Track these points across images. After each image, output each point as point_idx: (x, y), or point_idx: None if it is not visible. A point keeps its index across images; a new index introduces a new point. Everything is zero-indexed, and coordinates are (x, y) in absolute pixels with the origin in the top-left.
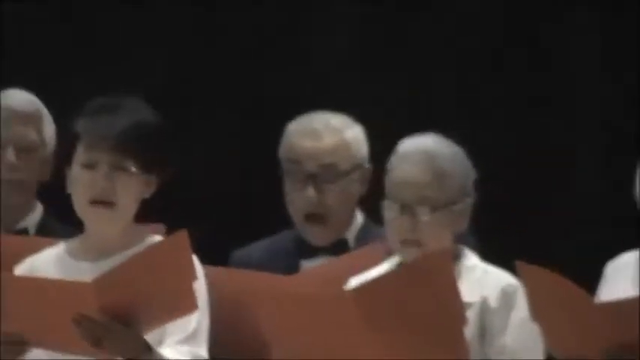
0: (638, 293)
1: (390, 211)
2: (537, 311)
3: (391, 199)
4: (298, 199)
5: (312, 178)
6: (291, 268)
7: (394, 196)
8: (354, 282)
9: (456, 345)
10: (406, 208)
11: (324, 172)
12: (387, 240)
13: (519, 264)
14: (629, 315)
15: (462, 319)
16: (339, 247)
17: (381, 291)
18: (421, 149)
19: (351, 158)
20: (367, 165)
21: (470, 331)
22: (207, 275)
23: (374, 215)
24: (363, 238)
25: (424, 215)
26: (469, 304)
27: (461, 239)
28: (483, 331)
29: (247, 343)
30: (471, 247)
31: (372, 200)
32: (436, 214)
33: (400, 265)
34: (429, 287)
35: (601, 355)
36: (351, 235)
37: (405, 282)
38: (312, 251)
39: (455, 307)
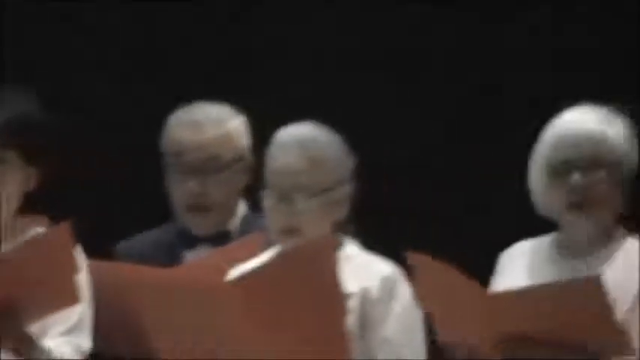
0: (531, 283)
1: (268, 199)
2: (429, 302)
3: (269, 187)
4: (181, 191)
5: (195, 170)
6: (174, 260)
7: (272, 184)
8: (235, 273)
9: (335, 335)
10: (284, 196)
11: (207, 164)
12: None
13: (411, 254)
14: (519, 306)
15: (342, 310)
16: (222, 238)
17: (262, 281)
18: (296, 137)
19: (233, 149)
20: (250, 156)
21: (351, 321)
22: (90, 268)
23: (257, 206)
24: (247, 228)
25: (301, 203)
26: (350, 294)
27: (342, 228)
28: (364, 322)
29: (131, 336)
30: (351, 236)
31: (255, 191)
32: (313, 201)
33: (281, 254)
34: (310, 276)
35: (495, 349)
36: (234, 225)
37: (286, 271)
38: (194, 242)
39: (335, 296)
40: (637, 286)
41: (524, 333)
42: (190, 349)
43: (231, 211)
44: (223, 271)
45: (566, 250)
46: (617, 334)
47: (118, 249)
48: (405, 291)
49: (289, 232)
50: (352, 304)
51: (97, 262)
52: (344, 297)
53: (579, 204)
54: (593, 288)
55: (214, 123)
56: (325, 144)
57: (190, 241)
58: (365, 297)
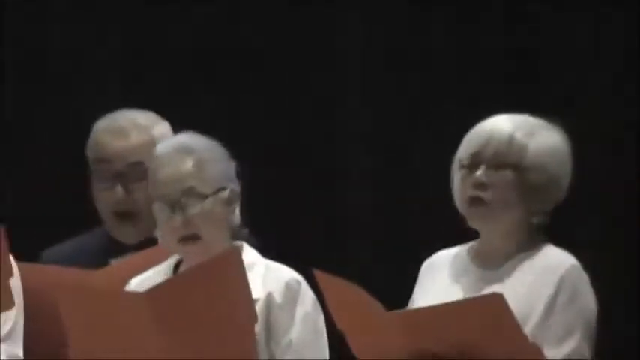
0: (445, 294)
1: (161, 212)
2: (340, 320)
3: (160, 200)
4: (107, 197)
5: (121, 177)
6: (100, 267)
7: (161, 195)
8: (134, 282)
9: (245, 343)
10: (176, 205)
11: (133, 171)
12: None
13: (317, 273)
14: (424, 323)
15: (252, 318)
16: (149, 246)
17: (173, 292)
18: (177, 145)
19: None
20: None
21: (256, 327)
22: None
23: None
24: None
25: (194, 208)
26: (255, 300)
27: (240, 236)
28: (269, 327)
29: (49, 340)
30: (251, 245)
31: None
32: (206, 204)
33: (188, 266)
34: (220, 286)
35: None
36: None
37: (196, 282)
38: (121, 250)
39: (245, 305)
40: (547, 294)
41: (433, 352)
42: (103, 354)
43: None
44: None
45: (480, 260)
46: (528, 350)
47: (45, 255)
48: (307, 295)
49: (188, 239)
50: (257, 309)
51: (19, 264)
52: (254, 305)
53: (478, 198)
54: (495, 306)
55: (139, 129)
56: (207, 146)
57: (117, 248)
58: (269, 302)
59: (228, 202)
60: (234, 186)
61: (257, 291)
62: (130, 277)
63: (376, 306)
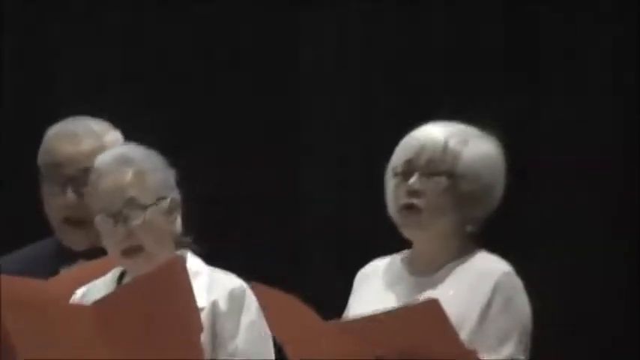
0: (379, 302)
1: (104, 225)
2: (278, 331)
3: (102, 212)
4: (57, 203)
5: (72, 182)
6: (50, 276)
7: (103, 207)
8: (79, 292)
9: (191, 354)
10: (118, 217)
11: (84, 176)
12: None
13: (255, 286)
14: (362, 332)
15: (198, 328)
16: (99, 254)
17: (119, 304)
18: (116, 156)
19: None
20: None
21: (201, 336)
22: None
23: None
24: None
25: (136, 219)
26: (199, 309)
27: (184, 245)
28: (215, 336)
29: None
30: (192, 251)
31: None
32: (147, 214)
33: (132, 276)
34: (165, 297)
35: None
36: None
37: (141, 294)
38: (72, 258)
39: (190, 314)
40: (481, 300)
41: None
42: None
43: None
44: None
45: (414, 267)
46: (465, 355)
47: None
48: (253, 303)
49: (132, 252)
50: (202, 318)
51: None
52: (199, 314)
53: (411, 206)
54: (432, 311)
55: (91, 135)
56: (145, 155)
57: (68, 256)
58: (214, 311)
59: (169, 211)
60: (175, 194)
61: (202, 299)
62: (79, 287)
63: (314, 317)
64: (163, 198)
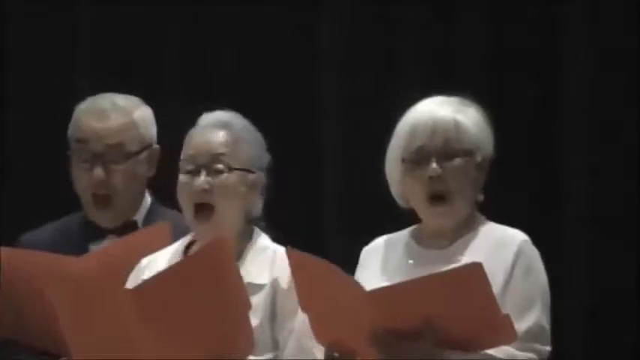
0: (390, 278)
1: (184, 175)
2: (304, 300)
3: (187, 161)
4: (85, 178)
5: (99, 158)
6: (80, 252)
7: (191, 157)
8: (144, 262)
9: (242, 330)
10: (201, 169)
11: (111, 152)
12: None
13: (289, 250)
14: (399, 300)
15: (245, 304)
16: (127, 229)
17: (162, 288)
18: (217, 119)
19: (138, 138)
20: (155, 146)
21: (261, 311)
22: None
23: (162, 198)
24: (152, 219)
25: (219, 175)
26: (260, 286)
27: (253, 220)
28: (274, 312)
29: (33, 323)
30: (262, 230)
31: (160, 182)
32: (232, 175)
33: (183, 255)
34: (210, 277)
35: (369, 341)
36: (139, 216)
37: (186, 274)
38: (100, 234)
39: (238, 292)
40: (503, 267)
41: (403, 329)
42: (95, 344)
43: (136, 202)
44: (128, 261)
45: (427, 241)
46: (500, 320)
47: (23, 240)
48: None
49: (203, 207)
50: (262, 295)
51: (7, 249)
52: (246, 292)
53: (440, 194)
54: (474, 275)
55: (120, 111)
56: (245, 128)
57: (96, 232)
58: (275, 288)
59: (251, 186)
60: (263, 175)
61: (264, 276)
62: (112, 264)
63: (352, 283)
64: (250, 171)
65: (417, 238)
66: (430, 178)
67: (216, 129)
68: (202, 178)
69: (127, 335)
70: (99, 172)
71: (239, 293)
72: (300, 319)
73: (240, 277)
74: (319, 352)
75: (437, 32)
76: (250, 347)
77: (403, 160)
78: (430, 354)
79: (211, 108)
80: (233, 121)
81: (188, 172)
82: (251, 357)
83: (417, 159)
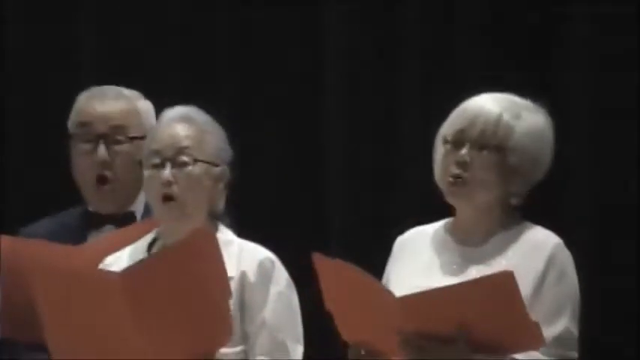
0: (425, 270)
1: (149, 169)
2: (332, 303)
3: (153, 155)
4: (88, 161)
5: (103, 139)
6: (79, 242)
7: (156, 150)
8: (109, 260)
9: (222, 319)
10: (167, 162)
11: (115, 133)
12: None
13: (315, 256)
14: (427, 306)
15: (227, 293)
16: (126, 220)
17: (148, 273)
18: (180, 113)
19: (139, 125)
20: None
21: (230, 305)
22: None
23: None
24: (150, 212)
25: (184, 167)
26: (229, 278)
27: (216, 217)
28: (243, 306)
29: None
30: (226, 225)
31: None
32: (197, 167)
33: (162, 241)
34: (194, 264)
35: (399, 344)
36: (138, 208)
37: (171, 261)
38: (99, 223)
39: (220, 281)
40: (535, 271)
41: (433, 334)
42: (72, 336)
43: (134, 190)
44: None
45: (460, 237)
46: (530, 328)
47: (23, 232)
48: (281, 275)
49: (169, 199)
50: (231, 288)
51: (7, 237)
52: (228, 280)
53: (459, 177)
54: (505, 283)
55: (124, 98)
56: (208, 122)
57: (96, 222)
58: (243, 281)
59: (216, 179)
60: (226, 168)
61: (231, 270)
62: (108, 254)
63: (381, 289)
64: (215, 164)
65: (450, 231)
66: (458, 162)
67: (180, 123)
68: (167, 171)
69: (111, 328)
70: (102, 151)
71: (222, 281)
72: (270, 310)
73: (223, 266)
74: (291, 342)
75: (437, 32)
76: (229, 335)
77: (444, 141)
78: (463, 358)
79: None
80: (196, 115)
81: (154, 167)
82: (223, 349)
83: (453, 140)
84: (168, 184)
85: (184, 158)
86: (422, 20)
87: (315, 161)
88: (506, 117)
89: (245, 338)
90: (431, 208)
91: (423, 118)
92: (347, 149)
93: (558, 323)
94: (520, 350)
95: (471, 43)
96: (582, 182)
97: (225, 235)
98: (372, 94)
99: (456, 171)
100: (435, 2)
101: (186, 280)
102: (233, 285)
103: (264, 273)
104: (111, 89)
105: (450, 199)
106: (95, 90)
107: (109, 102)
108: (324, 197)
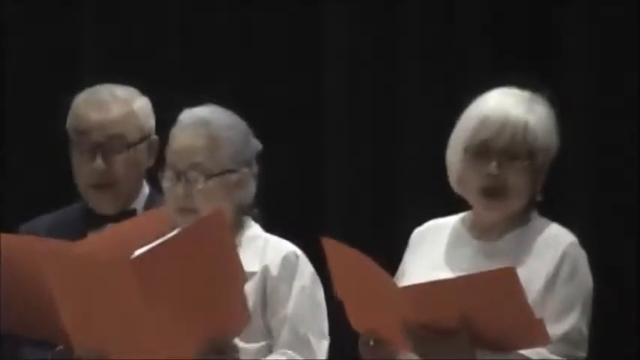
0: (442, 263)
1: (167, 180)
2: (340, 287)
3: (168, 167)
4: (86, 169)
5: (100, 148)
6: (78, 238)
7: (170, 164)
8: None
9: (236, 305)
10: (181, 177)
11: (112, 143)
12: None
13: (324, 240)
14: (432, 298)
15: (241, 276)
16: (126, 217)
17: (159, 258)
18: (196, 117)
19: (138, 129)
20: (154, 136)
21: (252, 299)
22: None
23: (161, 187)
24: (151, 208)
25: (198, 183)
26: (251, 274)
27: (245, 210)
28: (266, 300)
29: (33, 311)
30: (254, 219)
31: (159, 171)
32: (210, 182)
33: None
34: (207, 250)
35: (403, 334)
36: (138, 205)
37: (182, 247)
38: (99, 221)
39: (233, 265)
40: (547, 269)
41: (436, 326)
42: (92, 322)
43: (135, 191)
44: (127, 246)
45: (477, 232)
46: (533, 325)
47: (23, 229)
48: (306, 270)
49: (186, 211)
50: (253, 283)
51: (6, 235)
52: (241, 265)
53: (493, 191)
54: (507, 279)
55: (119, 102)
56: (226, 125)
57: (96, 220)
58: (265, 275)
59: (237, 184)
60: (249, 168)
61: (254, 264)
62: (109, 248)
63: (387, 279)
64: (232, 171)
65: (467, 225)
66: (488, 174)
67: (196, 129)
68: (181, 188)
69: (126, 314)
70: (99, 163)
71: (235, 266)
72: (293, 304)
73: (235, 250)
74: (314, 337)
75: (437, 32)
76: (245, 321)
77: (466, 150)
78: (464, 350)
79: (209, 99)
80: (212, 117)
81: (170, 179)
82: (245, 344)
83: (478, 151)
84: (184, 197)
85: (197, 175)
86: (422, 20)
87: (315, 161)
88: (530, 120)
89: (269, 332)
90: (431, 207)
91: (423, 118)
92: (347, 149)
93: (567, 321)
94: (524, 347)
95: (471, 43)
96: (582, 182)
97: (254, 230)
98: (372, 94)
99: (487, 184)
100: (435, 2)
101: (199, 263)
102: (256, 279)
103: (289, 267)
104: (106, 92)
105: (485, 211)
106: (91, 93)
107: (105, 108)
108: (324, 197)
